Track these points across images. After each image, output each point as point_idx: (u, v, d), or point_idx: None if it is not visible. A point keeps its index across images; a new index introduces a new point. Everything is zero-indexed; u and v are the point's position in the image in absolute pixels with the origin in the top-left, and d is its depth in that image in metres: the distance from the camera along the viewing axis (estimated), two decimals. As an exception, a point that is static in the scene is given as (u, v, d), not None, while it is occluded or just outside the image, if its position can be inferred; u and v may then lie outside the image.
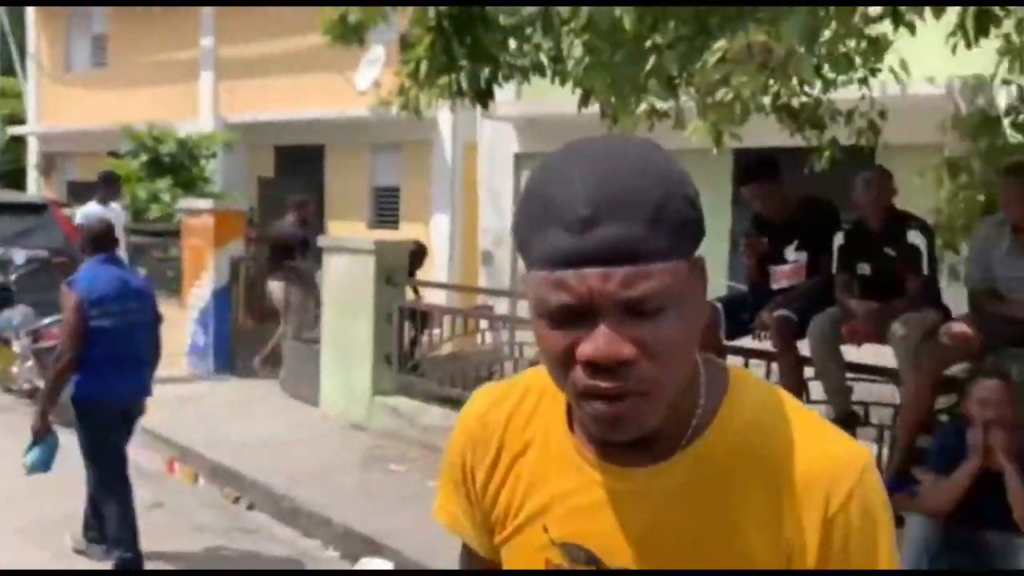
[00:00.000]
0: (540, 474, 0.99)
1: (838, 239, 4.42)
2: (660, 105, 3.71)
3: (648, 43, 2.76)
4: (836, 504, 0.89)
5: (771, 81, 2.44)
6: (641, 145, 0.89)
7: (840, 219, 4.62)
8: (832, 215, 4.65)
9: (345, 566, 4.56)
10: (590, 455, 0.96)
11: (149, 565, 4.33)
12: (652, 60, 2.66)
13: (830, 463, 0.91)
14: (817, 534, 0.89)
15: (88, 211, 7.84)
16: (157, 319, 4.40)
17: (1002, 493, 3.26)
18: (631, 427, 0.86)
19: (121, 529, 4.13)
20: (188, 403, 7.39)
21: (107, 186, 8.51)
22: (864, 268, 4.33)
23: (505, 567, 1.05)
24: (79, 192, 14.90)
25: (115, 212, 8.44)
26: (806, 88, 5.03)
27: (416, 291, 7.84)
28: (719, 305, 4.62)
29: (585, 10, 3.29)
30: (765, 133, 5.23)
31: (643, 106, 3.24)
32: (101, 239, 4.23)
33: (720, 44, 2.41)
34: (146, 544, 4.68)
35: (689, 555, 0.92)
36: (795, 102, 4.94)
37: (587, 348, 0.82)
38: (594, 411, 0.86)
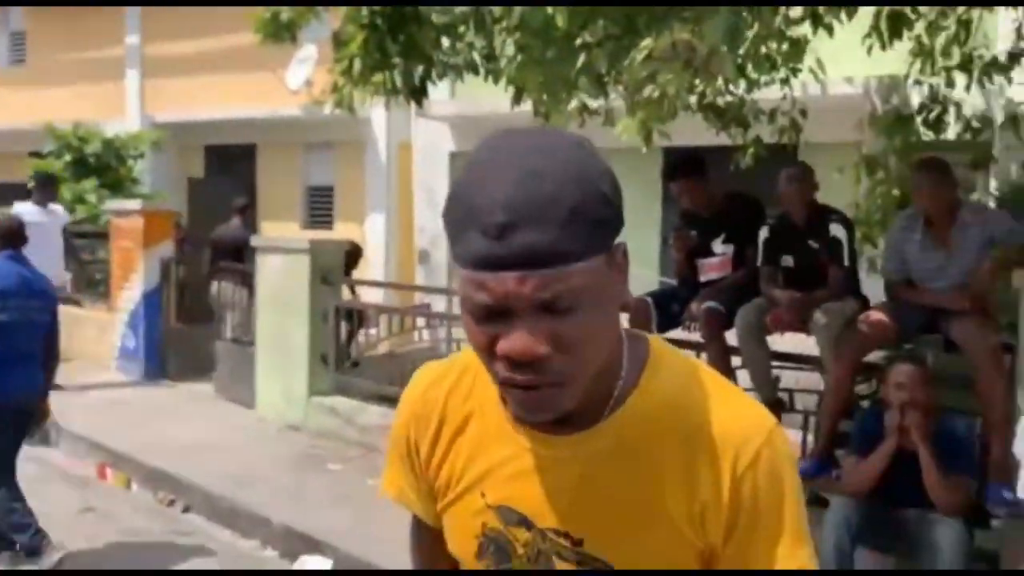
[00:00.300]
0: (479, 445, 1.06)
1: (763, 233, 4.57)
2: (591, 103, 3.80)
3: (578, 41, 2.84)
4: (745, 462, 0.96)
5: (696, 80, 2.53)
6: (562, 141, 0.93)
7: (765, 213, 4.79)
8: (757, 210, 4.82)
9: (284, 565, 4.55)
10: (521, 426, 1.02)
11: (81, 568, 4.25)
12: (582, 58, 2.73)
13: (740, 425, 0.98)
14: (728, 490, 0.96)
15: (23, 211, 7.61)
16: (56, 322, 4.42)
17: (918, 472, 3.42)
18: (547, 412, 0.93)
19: (18, 517, 4.09)
20: (119, 407, 7.24)
21: (43, 187, 8.25)
22: (788, 260, 4.50)
23: (446, 533, 1.11)
24: (2, 194, 14.40)
25: (56, 213, 8.22)
26: (731, 87, 5.20)
27: (353, 290, 7.82)
28: (649, 299, 4.75)
29: (517, 9, 3.36)
30: (693, 132, 5.37)
31: (574, 103, 3.30)
32: (10, 236, 4.24)
33: (647, 43, 2.49)
34: (77, 548, 4.60)
35: (613, 514, 0.99)
36: (720, 101, 5.10)
37: (504, 345, 0.89)
38: (514, 397, 0.93)
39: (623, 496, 0.98)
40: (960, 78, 5.10)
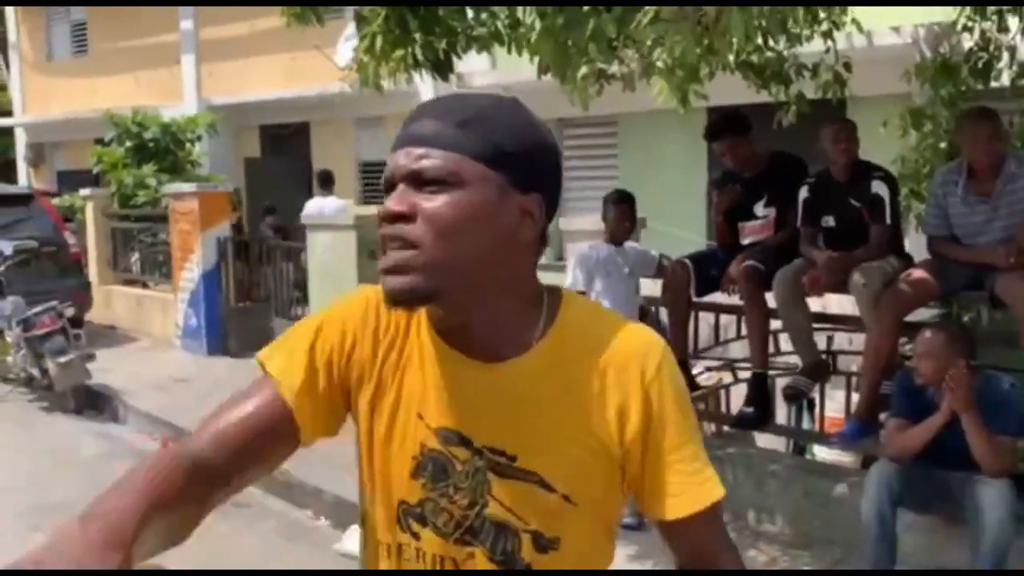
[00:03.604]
0: (418, 365, 1.13)
1: (803, 193, 4.46)
2: (607, 68, 3.75)
3: (585, 8, 2.81)
4: (650, 374, 1.11)
5: (705, 40, 2.48)
6: (511, 100, 1.11)
7: (808, 173, 4.67)
8: (800, 170, 4.70)
9: (336, 534, 4.68)
10: (458, 354, 1.12)
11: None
12: (592, 23, 2.71)
13: (642, 344, 1.13)
14: (639, 398, 1.10)
15: (321, 204, 8.29)
16: None
17: (962, 434, 3.34)
18: (401, 279, 1.03)
19: None
20: (182, 384, 7.51)
21: (324, 183, 9.09)
22: (828, 220, 4.38)
23: (387, 458, 1.14)
24: (70, 181, 14.94)
25: (335, 205, 8.53)
26: (770, 43, 5.07)
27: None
28: (688, 262, 4.71)
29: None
30: (733, 90, 5.26)
31: (584, 69, 3.27)
32: None
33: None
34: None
35: (543, 429, 1.10)
36: (758, 58, 4.97)
37: (380, 210, 1.05)
38: (381, 265, 1.05)
39: (552, 413, 1.10)
40: (1013, 22, 4.88)
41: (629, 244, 4.84)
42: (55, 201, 11.07)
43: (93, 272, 10.20)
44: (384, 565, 1.16)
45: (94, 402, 7.24)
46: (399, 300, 1.05)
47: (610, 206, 4.74)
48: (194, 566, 4.16)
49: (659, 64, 3.01)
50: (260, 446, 1.13)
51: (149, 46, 14.78)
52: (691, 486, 1.12)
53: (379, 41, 3.44)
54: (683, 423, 1.12)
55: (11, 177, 17.22)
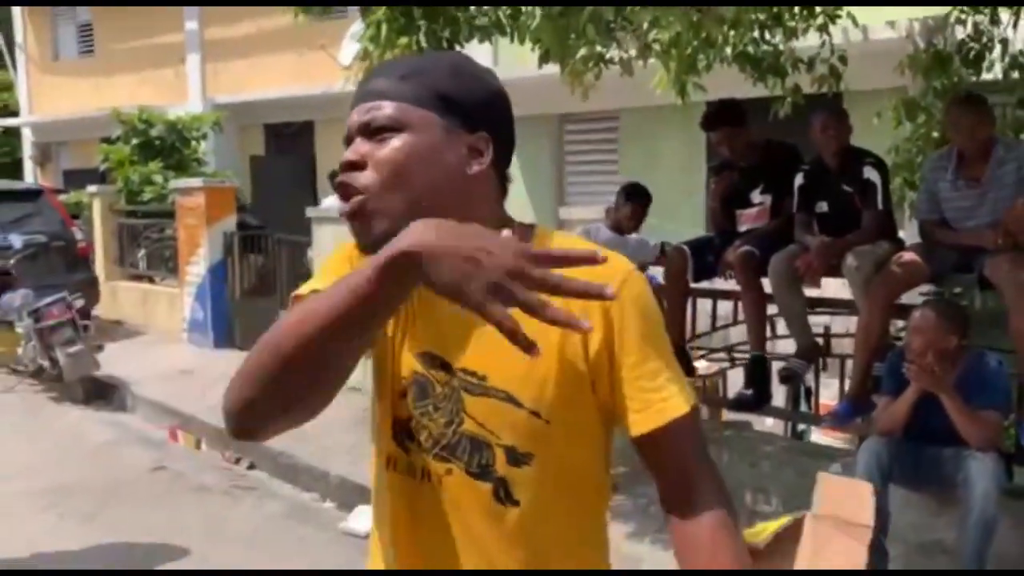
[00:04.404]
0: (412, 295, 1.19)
1: (798, 180, 4.56)
2: (605, 51, 3.84)
3: (583, -8, 2.91)
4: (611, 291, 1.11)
5: (699, 26, 2.57)
6: (453, 52, 1.24)
7: (803, 161, 4.77)
8: (795, 158, 4.80)
9: (341, 516, 4.78)
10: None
11: (152, 525, 4.56)
12: (589, 8, 2.81)
13: (608, 267, 1.10)
14: (600, 319, 1.13)
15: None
16: None
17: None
18: (359, 225, 1.13)
19: None
20: (189, 375, 7.61)
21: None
22: (822, 206, 4.48)
23: (385, 377, 1.22)
24: (76, 180, 15.07)
25: None
26: (767, 36, 5.17)
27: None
28: (686, 248, 4.81)
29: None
30: (731, 83, 5.36)
31: (583, 51, 3.36)
32: None
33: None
34: (148, 504, 4.93)
35: (511, 349, 1.07)
36: (754, 50, 5.07)
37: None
38: (339, 212, 1.15)
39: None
40: (1005, 15, 4.98)
41: (633, 236, 4.96)
42: (62, 198, 11.20)
43: (100, 268, 10.32)
44: (385, 476, 1.23)
45: (102, 392, 7.35)
46: (360, 243, 1.14)
47: (625, 198, 4.87)
48: (200, 545, 4.28)
49: (655, 47, 3.11)
50: None
51: (155, 46, 14.91)
52: (654, 402, 1.14)
53: (384, 29, 3.55)
54: (646, 339, 1.15)
55: (18, 176, 17.35)
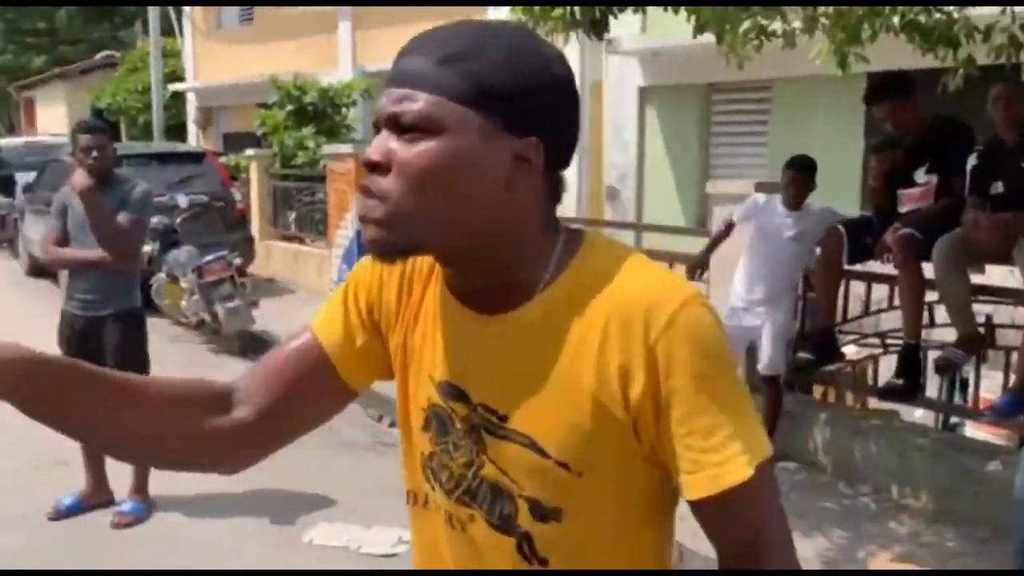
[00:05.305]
0: (431, 314, 1.10)
1: (971, 160, 4.28)
2: (768, 24, 3.70)
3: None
4: (657, 328, 0.94)
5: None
6: (514, 26, 1.02)
7: (975, 141, 4.47)
8: (966, 136, 4.51)
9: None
10: (460, 305, 1.06)
11: (306, 475, 4.78)
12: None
13: (651, 293, 0.96)
14: (642, 357, 0.94)
15: None
16: None
17: None
18: (371, 232, 0.97)
19: None
20: (335, 334, 7.93)
21: None
22: (998, 187, 4.18)
23: (408, 406, 1.14)
24: (235, 143, 15.89)
25: None
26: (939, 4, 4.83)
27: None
28: (842, 228, 4.61)
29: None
30: (895, 54, 5.06)
31: (746, 23, 3.24)
32: None
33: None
34: (295, 458, 5.17)
35: (533, 389, 1.00)
36: (925, 19, 4.75)
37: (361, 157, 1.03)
38: (359, 214, 1.01)
39: (543, 372, 0.99)
40: None
41: (815, 207, 4.81)
42: (222, 160, 11.85)
43: (255, 227, 10.88)
44: (414, 513, 1.15)
45: (257, 346, 7.77)
46: (372, 252, 0.99)
47: (785, 166, 4.79)
48: (349, 496, 4.46)
49: (823, 20, 2.97)
50: (295, 377, 1.15)
51: (309, 14, 15.43)
52: (707, 466, 0.94)
53: None
54: (701, 385, 0.94)
55: (182, 138, 18.46)
